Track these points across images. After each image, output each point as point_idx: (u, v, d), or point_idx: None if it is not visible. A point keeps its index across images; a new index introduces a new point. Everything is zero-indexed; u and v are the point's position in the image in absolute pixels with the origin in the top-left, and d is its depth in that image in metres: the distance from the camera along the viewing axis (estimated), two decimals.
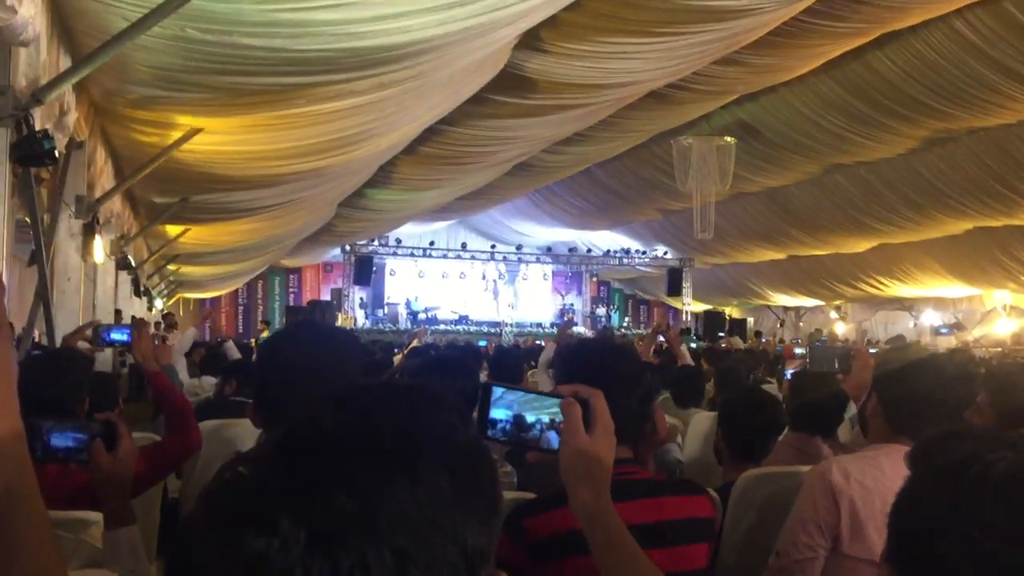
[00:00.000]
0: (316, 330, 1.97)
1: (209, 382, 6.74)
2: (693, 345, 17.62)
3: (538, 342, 14.51)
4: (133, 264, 11.88)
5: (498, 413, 1.34)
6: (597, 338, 2.58)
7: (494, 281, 31.08)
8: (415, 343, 7.98)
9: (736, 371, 5.75)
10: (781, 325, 30.48)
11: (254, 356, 9.30)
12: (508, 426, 1.35)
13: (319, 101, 6.63)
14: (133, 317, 8.88)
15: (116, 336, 3.91)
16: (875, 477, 2.29)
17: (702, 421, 4.50)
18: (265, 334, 20.87)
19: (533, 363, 10.87)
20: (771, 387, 7.06)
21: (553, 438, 1.36)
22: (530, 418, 1.35)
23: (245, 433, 4.00)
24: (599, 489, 1.35)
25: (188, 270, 19.38)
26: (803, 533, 2.32)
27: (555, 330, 29.01)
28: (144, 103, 6.39)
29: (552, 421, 1.36)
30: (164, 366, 4.88)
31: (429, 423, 0.77)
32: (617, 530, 1.37)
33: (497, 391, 1.35)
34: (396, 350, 13.38)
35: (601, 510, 1.36)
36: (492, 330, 27.81)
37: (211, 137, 7.63)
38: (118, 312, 10.96)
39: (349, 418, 0.75)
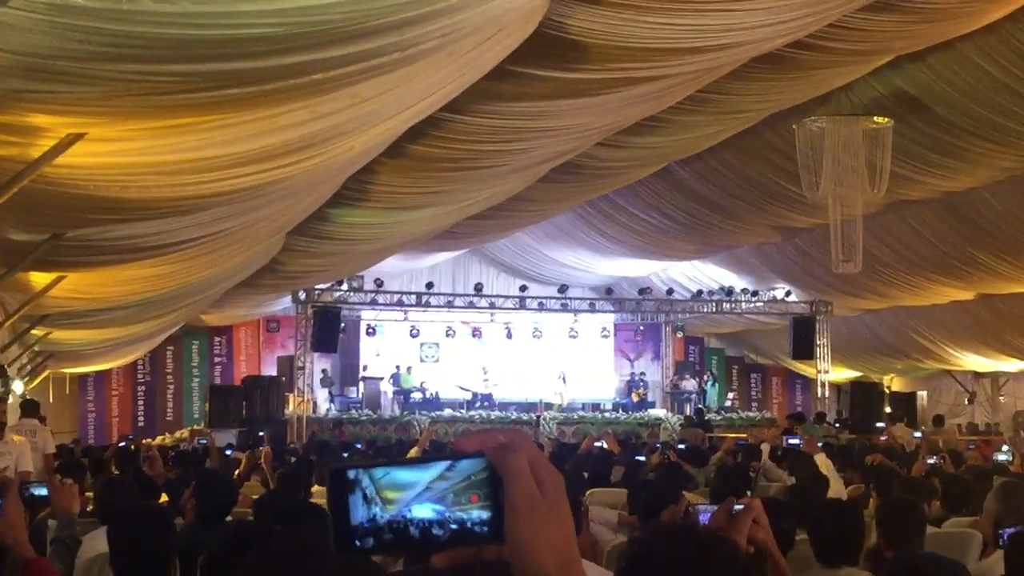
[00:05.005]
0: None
1: None
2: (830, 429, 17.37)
3: (597, 444, 14.43)
4: None
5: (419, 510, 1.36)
6: (666, 529, 2.62)
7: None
8: (413, 453, 8.01)
9: (909, 513, 5.67)
10: (970, 401, 30.19)
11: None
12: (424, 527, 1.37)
13: (261, 99, 6.72)
14: None
15: None
16: None
17: None
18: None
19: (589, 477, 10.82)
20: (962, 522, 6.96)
21: (475, 518, 1.37)
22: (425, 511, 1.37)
23: None
24: (570, 561, 1.37)
25: (62, 336, 19.54)
26: None
27: (622, 415, 29.04)
28: (2, 102, 6.50)
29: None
30: (60, 519, 5.01)
31: None
32: None
33: (354, 472, 1.37)
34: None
35: None
36: (526, 416, 27.79)
37: (97, 146, 7.72)
38: None
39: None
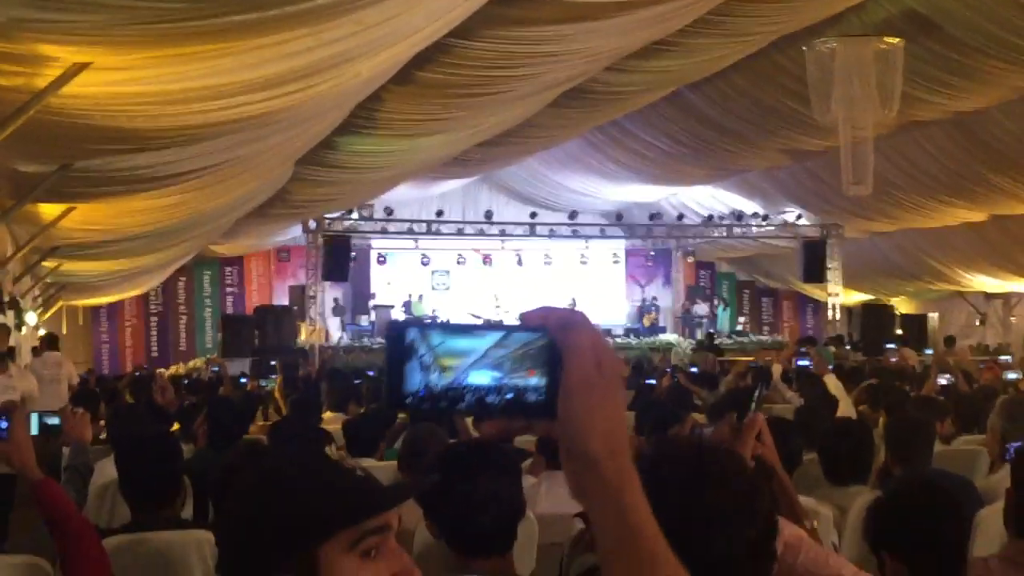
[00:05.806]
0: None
1: None
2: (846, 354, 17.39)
3: None
4: None
5: (475, 376, 1.35)
6: (675, 443, 2.62)
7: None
8: None
9: (917, 430, 5.69)
10: (981, 323, 30.22)
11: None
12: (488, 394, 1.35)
13: (266, 25, 6.69)
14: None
15: None
16: None
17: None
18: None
19: None
20: (972, 440, 7.02)
21: (532, 386, 1.35)
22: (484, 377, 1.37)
23: (182, 547, 4.10)
24: (619, 449, 1.35)
25: (74, 267, 19.62)
26: None
27: (633, 340, 29.10)
28: (4, 30, 6.48)
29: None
30: (73, 447, 5.11)
31: None
32: (641, 512, 1.36)
33: (412, 334, 1.36)
34: None
35: (623, 481, 1.35)
36: None
37: (103, 75, 7.71)
38: None
39: None
